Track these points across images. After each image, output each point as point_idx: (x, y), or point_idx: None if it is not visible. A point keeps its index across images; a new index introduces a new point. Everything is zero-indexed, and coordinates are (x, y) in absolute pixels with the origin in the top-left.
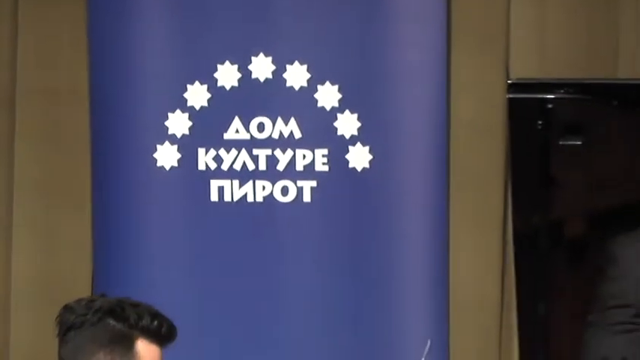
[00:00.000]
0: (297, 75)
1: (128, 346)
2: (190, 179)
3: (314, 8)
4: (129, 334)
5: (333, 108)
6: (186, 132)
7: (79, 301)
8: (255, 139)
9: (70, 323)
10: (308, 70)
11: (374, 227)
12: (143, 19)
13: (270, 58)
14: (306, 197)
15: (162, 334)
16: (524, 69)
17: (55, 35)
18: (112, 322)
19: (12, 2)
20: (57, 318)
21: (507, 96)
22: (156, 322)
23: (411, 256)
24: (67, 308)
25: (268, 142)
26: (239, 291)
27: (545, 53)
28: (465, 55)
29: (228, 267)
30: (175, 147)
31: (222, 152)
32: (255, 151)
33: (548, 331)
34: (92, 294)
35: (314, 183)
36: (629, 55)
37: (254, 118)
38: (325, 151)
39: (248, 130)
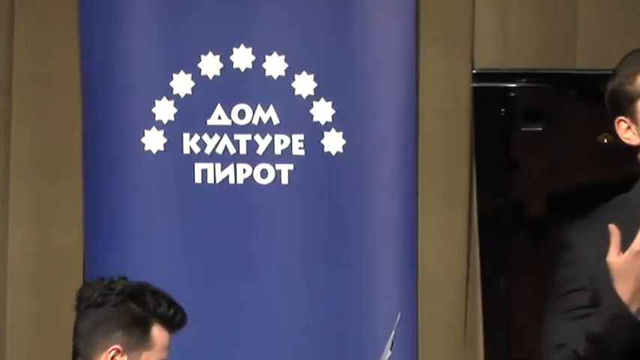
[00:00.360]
0: (275, 65)
1: (145, 329)
2: (175, 162)
3: (292, 3)
4: (147, 318)
5: (309, 96)
6: (172, 118)
7: (101, 280)
8: (236, 125)
9: (92, 300)
10: (286, 61)
11: (347, 207)
12: (132, 12)
13: (250, 49)
14: (284, 179)
15: (176, 321)
16: (488, 59)
17: (49, 25)
18: (132, 305)
19: None
20: (77, 293)
21: (472, 85)
22: (172, 311)
23: (382, 234)
24: (88, 285)
25: (248, 128)
26: (221, 267)
27: (508, 44)
28: (433, 46)
29: (210, 245)
30: (162, 132)
31: (205, 137)
32: (236, 136)
33: (509, 303)
34: (84, 269)
35: (291, 166)
36: (588, 45)
37: (235, 105)
38: (302, 137)
39: (230, 117)
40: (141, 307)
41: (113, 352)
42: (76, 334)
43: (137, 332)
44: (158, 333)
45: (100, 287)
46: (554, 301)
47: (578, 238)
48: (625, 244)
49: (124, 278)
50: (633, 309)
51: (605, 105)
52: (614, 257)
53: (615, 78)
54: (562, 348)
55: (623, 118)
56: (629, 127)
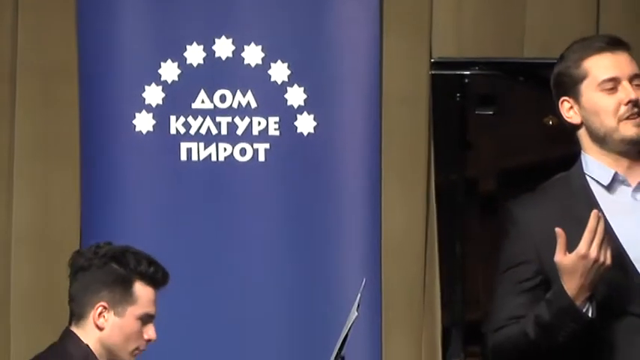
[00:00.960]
0: (253, 54)
1: (127, 287)
2: (163, 142)
3: None
4: (128, 277)
5: (283, 82)
6: (160, 102)
7: (89, 247)
8: (218, 108)
9: (80, 265)
10: (262, 50)
11: (318, 182)
12: (124, 7)
13: (230, 40)
14: (261, 157)
15: (157, 278)
16: (445, 49)
17: (50, 19)
18: (114, 266)
19: None
20: (69, 261)
21: (430, 72)
22: (152, 269)
23: (349, 206)
24: (78, 253)
25: (229, 111)
26: (203, 235)
27: (463, 35)
28: (395, 37)
29: (194, 215)
30: (151, 115)
31: (190, 119)
32: (217, 119)
33: (464, 268)
34: (80, 239)
35: (267, 145)
36: (534, 35)
37: (217, 90)
38: (277, 119)
39: (212, 101)
40: (123, 267)
41: (100, 308)
42: (70, 298)
43: (120, 289)
44: (141, 289)
45: (87, 253)
46: (502, 274)
47: (525, 212)
48: (566, 217)
49: (109, 243)
50: (578, 302)
51: (551, 87)
52: (561, 257)
53: (562, 62)
54: (510, 321)
55: (566, 98)
56: (571, 107)
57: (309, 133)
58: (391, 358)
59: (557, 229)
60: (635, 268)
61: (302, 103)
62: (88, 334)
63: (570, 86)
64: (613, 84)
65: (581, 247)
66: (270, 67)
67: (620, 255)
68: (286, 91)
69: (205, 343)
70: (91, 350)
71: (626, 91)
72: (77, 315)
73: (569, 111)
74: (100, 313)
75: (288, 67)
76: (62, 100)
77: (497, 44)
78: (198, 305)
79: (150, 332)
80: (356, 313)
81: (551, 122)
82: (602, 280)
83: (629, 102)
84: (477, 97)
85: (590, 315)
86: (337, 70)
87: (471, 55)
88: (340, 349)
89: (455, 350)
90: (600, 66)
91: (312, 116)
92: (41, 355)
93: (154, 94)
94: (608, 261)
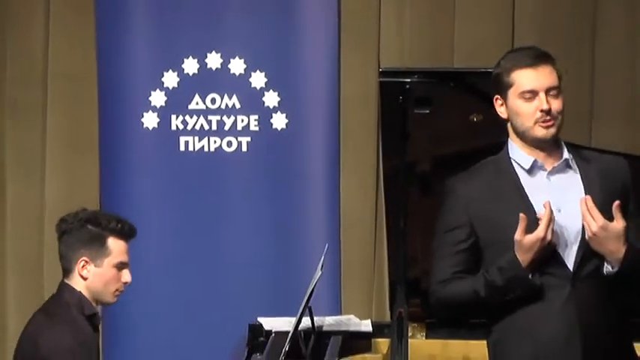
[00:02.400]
0: (237, 66)
1: (102, 243)
2: (166, 136)
3: (249, 21)
4: (102, 234)
5: (261, 87)
6: (163, 104)
7: (69, 214)
8: (210, 108)
9: (63, 230)
10: (245, 62)
11: (289, 168)
12: (133, 27)
13: (219, 54)
14: (244, 148)
15: (125, 231)
16: (390, 61)
17: (75, 36)
18: (90, 227)
19: (45, 10)
20: (56, 227)
21: (379, 80)
22: (120, 225)
23: (314, 187)
24: (62, 219)
25: (218, 111)
26: (197, 211)
27: (404, 50)
28: (350, 51)
29: (191, 195)
30: (155, 114)
31: (187, 118)
32: (209, 117)
33: (405, 236)
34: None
35: (249, 138)
36: (462, 49)
37: (209, 94)
38: (257, 117)
39: (205, 103)
40: (96, 226)
41: (82, 262)
42: (60, 256)
43: (97, 245)
44: (113, 243)
45: (68, 219)
46: (441, 236)
47: (461, 186)
48: (495, 192)
49: (84, 209)
50: (529, 272)
51: (491, 83)
52: (521, 237)
53: (498, 67)
54: (454, 275)
55: (499, 97)
56: (502, 104)
57: (282, 129)
58: (348, 308)
59: (521, 215)
60: (555, 254)
61: (276, 105)
62: (76, 284)
63: (501, 89)
64: (532, 95)
65: (540, 230)
66: (250, 76)
67: (536, 224)
68: (264, 95)
69: (203, 288)
70: (83, 295)
71: (541, 102)
72: (66, 270)
73: (500, 107)
74: (82, 266)
75: (265, 76)
76: (84, 101)
77: (432, 55)
78: (199, 260)
79: (125, 276)
80: (320, 272)
81: (475, 119)
82: None
83: (542, 110)
84: (415, 100)
85: (537, 283)
86: (304, 77)
87: (410, 65)
88: (308, 300)
89: (400, 301)
90: (524, 79)
91: (284, 115)
92: (45, 304)
93: (158, 98)
94: (549, 237)
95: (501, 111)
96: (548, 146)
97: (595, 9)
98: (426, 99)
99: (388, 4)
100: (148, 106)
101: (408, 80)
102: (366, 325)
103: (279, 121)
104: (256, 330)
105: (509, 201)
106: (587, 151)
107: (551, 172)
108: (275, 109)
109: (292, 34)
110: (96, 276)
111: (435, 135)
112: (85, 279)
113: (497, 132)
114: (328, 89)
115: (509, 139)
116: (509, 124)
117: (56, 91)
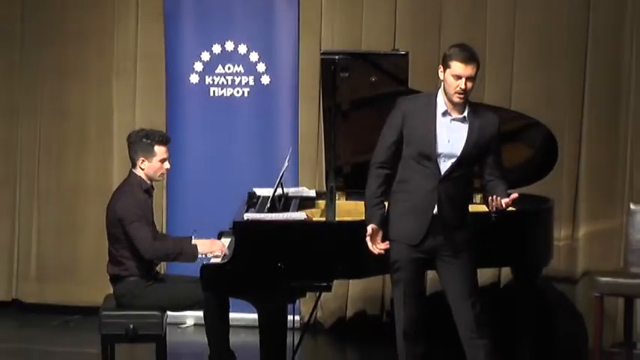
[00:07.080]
0: (243, 49)
1: (151, 148)
2: (203, 88)
3: (249, 21)
4: (151, 143)
5: (255, 61)
6: (201, 70)
7: (134, 130)
8: (227, 72)
9: (130, 141)
10: (247, 47)
11: (271, 106)
12: (185, 25)
13: (232, 42)
14: (246, 95)
15: (164, 140)
16: (326, 45)
17: (151, 28)
18: (144, 140)
19: (135, 15)
20: (127, 138)
21: (320, 57)
22: (160, 137)
23: (284, 117)
24: (129, 134)
25: (231, 74)
26: (220, 130)
27: (335, 39)
28: (306, 37)
29: (216, 121)
30: (197, 75)
31: (214, 77)
32: (227, 77)
33: (335, 147)
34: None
35: (249, 89)
36: (367, 36)
37: (226, 64)
38: (253, 77)
39: (224, 69)
40: (147, 139)
41: (141, 159)
42: (129, 155)
43: (149, 149)
44: (157, 148)
45: (132, 134)
46: (383, 132)
47: (403, 104)
48: (421, 114)
49: (142, 129)
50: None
51: (442, 58)
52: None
53: (448, 51)
54: (382, 164)
55: (442, 67)
56: (442, 72)
57: (267, 84)
58: (302, 183)
59: (372, 227)
60: (437, 161)
61: (264, 71)
62: (138, 172)
63: (444, 65)
64: (458, 78)
65: (371, 247)
66: (250, 54)
67: (433, 152)
68: (257, 65)
69: (223, 174)
70: (142, 179)
71: (462, 82)
72: (133, 164)
73: (441, 73)
74: (142, 162)
75: (258, 54)
76: (156, 70)
77: (350, 41)
78: (220, 159)
79: (166, 165)
80: (287, 164)
81: (373, 78)
82: (419, 168)
83: (460, 88)
84: (340, 67)
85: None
86: (280, 56)
87: (337, 49)
88: (280, 179)
89: (331, 179)
90: (457, 67)
91: (269, 76)
92: (119, 186)
93: (198, 66)
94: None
95: (440, 76)
96: (457, 105)
97: None
98: (345, 67)
99: (327, 7)
100: (193, 71)
101: (336, 57)
102: (312, 193)
103: (265, 80)
104: (252, 195)
105: (424, 123)
106: (483, 109)
107: (453, 120)
108: (263, 73)
109: (274, 30)
110: (149, 167)
111: (350, 87)
112: (142, 169)
113: (383, 86)
114: (294, 62)
115: (439, 90)
116: (442, 83)
117: (143, 62)
